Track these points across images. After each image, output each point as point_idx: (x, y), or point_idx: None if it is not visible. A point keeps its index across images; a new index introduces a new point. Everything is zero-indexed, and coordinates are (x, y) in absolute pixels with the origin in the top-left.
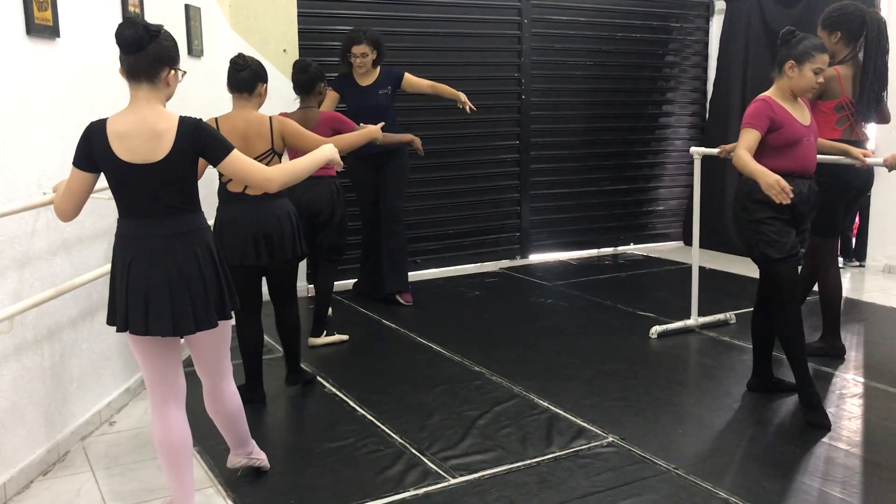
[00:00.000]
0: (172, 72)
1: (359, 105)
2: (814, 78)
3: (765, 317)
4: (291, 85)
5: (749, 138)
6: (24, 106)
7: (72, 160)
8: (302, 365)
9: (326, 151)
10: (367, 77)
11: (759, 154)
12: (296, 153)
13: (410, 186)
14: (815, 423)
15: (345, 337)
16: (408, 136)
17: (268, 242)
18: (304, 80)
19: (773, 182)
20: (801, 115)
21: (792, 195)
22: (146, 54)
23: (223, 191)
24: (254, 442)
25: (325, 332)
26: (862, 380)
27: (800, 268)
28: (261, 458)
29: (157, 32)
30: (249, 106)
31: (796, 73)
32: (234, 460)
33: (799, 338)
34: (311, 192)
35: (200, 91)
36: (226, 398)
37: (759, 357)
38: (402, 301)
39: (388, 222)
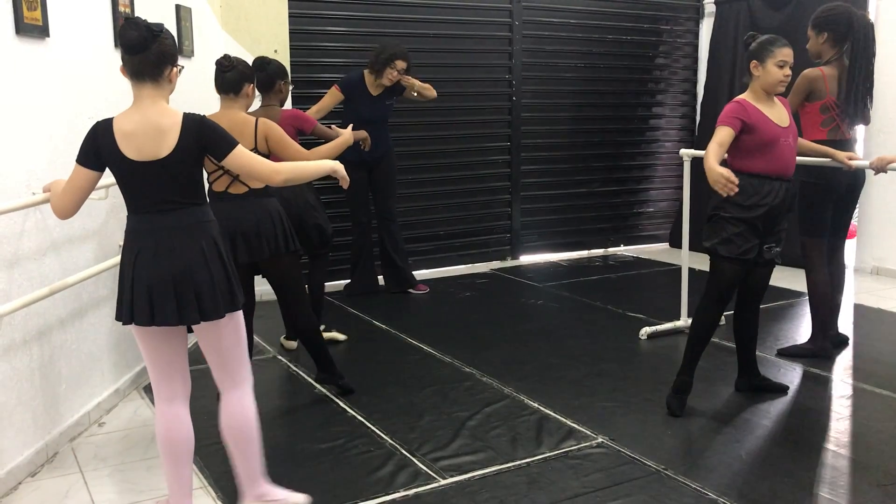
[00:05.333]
0: (174, 69)
1: (365, 113)
2: (779, 72)
3: (744, 316)
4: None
5: (722, 134)
6: (13, 106)
7: (76, 158)
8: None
9: (331, 163)
10: (379, 87)
11: (736, 156)
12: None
13: (401, 187)
14: (668, 403)
15: (342, 336)
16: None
17: (245, 241)
18: (263, 78)
19: (716, 177)
20: (779, 116)
21: (738, 188)
22: (150, 54)
23: (209, 191)
24: (269, 485)
25: (323, 326)
26: (850, 381)
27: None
28: (279, 497)
29: (159, 32)
30: (236, 106)
31: (761, 70)
32: None
33: (702, 333)
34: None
35: (191, 91)
36: (235, 409)
37: (744, 357)
38: (418, 291)
39: (385, 222)
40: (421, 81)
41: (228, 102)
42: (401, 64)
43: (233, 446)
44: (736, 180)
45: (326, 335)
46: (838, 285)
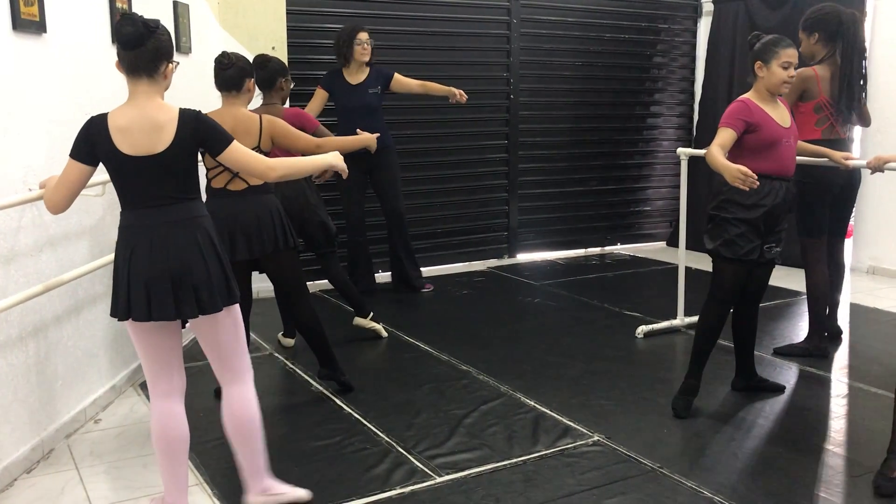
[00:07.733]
0: (170, 65)
1: (349, 103)
2: (784, 73)
3: (742, 316)
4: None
5: (724, 136)
6: (10, 102)
7: (69, 153)
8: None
9: (329, 157)
10: (358, 75)
11: (738, 155)
12: (287, 154)
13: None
14: (673, 405)
15: (380, 328)
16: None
17: (245, 237)
18: (264, 76)
19: (735, 173)
20: (781, 116)
21: (758, 182)
22: (146, 50)
23: (208, 187)
24: (273, 479)
25: (370, 314)
26: (846, 380)
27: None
28: (282, 491)
29: (155, 28)
30: (238, 103)
31: (765, 71)
32: (253, 500)
33: (708, 335)
34: (277, 187)
35: (188, 88)
36: (236, 404)
37: (741, 356)
38: (424, 290)
39: (395, 223)
40: (419, 80)
41: (231, 99)
42: (363, 35)
43: (235, 441)
44: (753, 174)
45: (373, 324)
46: (836, 284)
